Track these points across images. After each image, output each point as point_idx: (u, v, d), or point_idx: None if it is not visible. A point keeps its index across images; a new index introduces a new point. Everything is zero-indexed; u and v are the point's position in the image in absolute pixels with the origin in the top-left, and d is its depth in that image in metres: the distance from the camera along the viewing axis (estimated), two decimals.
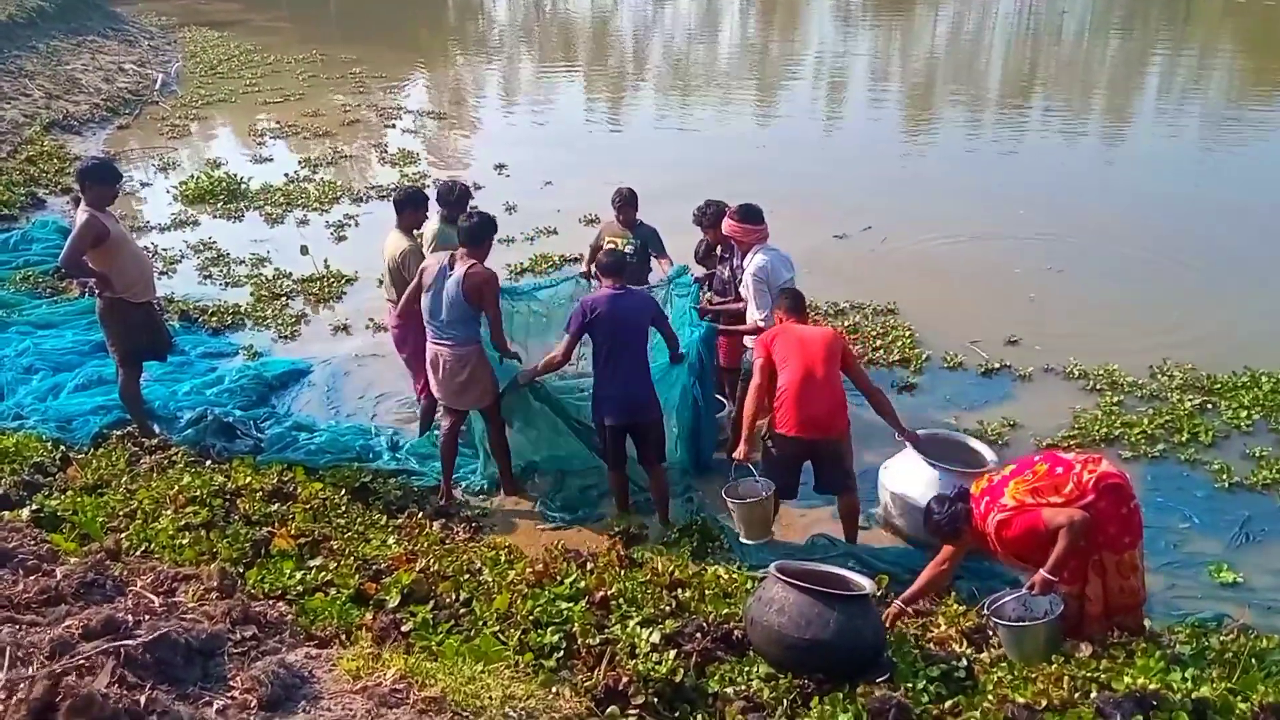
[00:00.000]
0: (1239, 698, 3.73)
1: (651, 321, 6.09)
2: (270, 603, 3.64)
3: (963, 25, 30.01)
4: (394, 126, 17.35)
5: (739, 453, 5.65)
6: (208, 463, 6.50)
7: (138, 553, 4.73)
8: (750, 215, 6.55)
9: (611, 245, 7.11)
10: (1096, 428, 7.07)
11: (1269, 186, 12.97)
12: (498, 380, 6.29)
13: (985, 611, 4.53)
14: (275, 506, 5.66)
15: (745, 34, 30.85)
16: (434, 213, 7.12)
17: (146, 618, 2.90)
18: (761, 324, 6.29)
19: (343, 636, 4.00)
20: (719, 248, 7.18)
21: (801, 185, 13.08)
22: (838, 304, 9.26)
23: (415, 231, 7.00)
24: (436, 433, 6.87)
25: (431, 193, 7.39)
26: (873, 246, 10.80)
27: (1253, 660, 4.23)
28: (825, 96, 20.53)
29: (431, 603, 4.54)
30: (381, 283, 7.19)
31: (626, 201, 7.36)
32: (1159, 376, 7.77)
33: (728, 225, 6.62)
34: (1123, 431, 7.02)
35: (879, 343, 8.47)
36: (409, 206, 6.89)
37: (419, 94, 21.40)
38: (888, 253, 10.65)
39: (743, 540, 5.70)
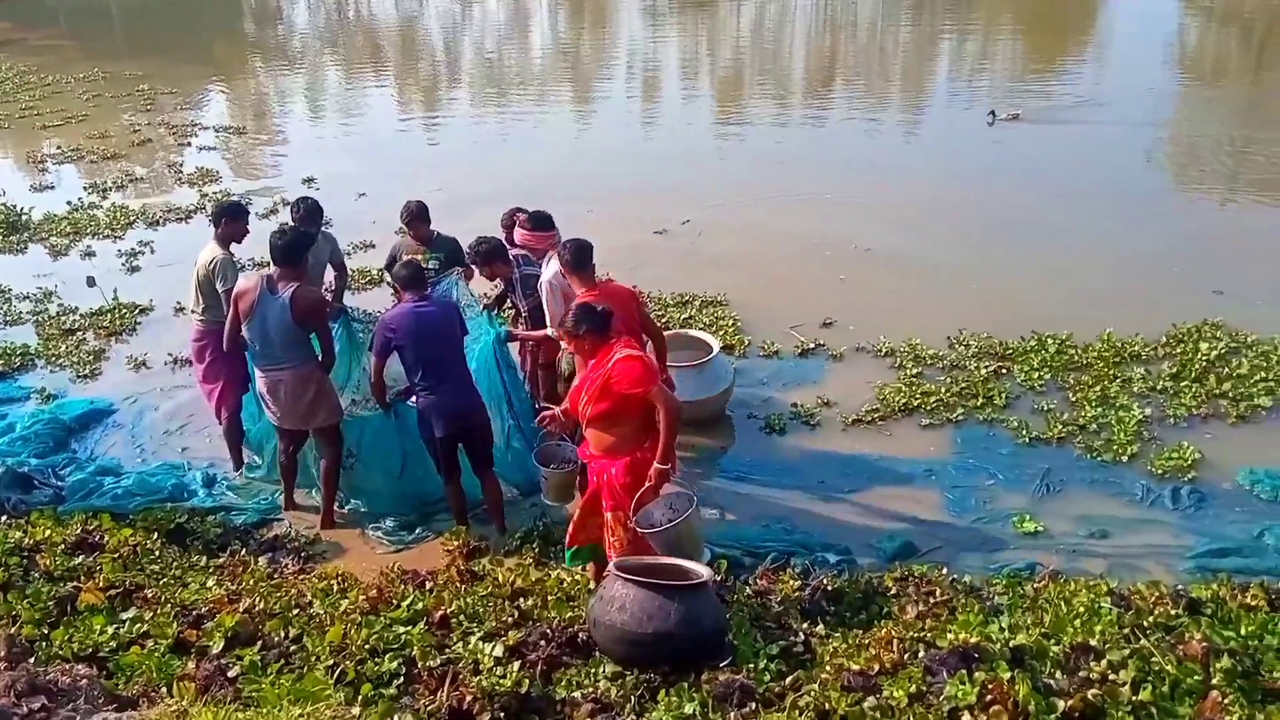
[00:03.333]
0: (1052, 641, 3.97)
1: (461, 328, 5.99)
2: (67, 666, 3.37)
3: (764, 18, 30.94)
4: (190, 144, 16.48)
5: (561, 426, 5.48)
6: (2, 518, 5.98)
7: None
8: (541, 223, 6.52)
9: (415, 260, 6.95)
10: (897, 399, 7.41)
11: (1052, 158, 13.91)
12: (339, 399, 6.13)
13: (635, 525, 4.78)
14: (80, 559, 5.27)
15: (556, 34, 30.85)
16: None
17: None
18: (550, 333, 6.21)
19: (163, 689, 3.76)
20: (501, 283, 6.87)
21: (619, 183, 13.22)
22: (664, 297, 9.34)
23: (234, 244, 6.62)
24: (256, 465, 6.64)
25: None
26: (691, 240, 10.99)
27: (1062, 604, 4.51)
28: (638, 94, 20.77)
29: (259, 643, 4.32)
30: (180, 310, 6.78)
31: (415, 216, 7.09)
32: (957, 346, 8.19)
33: (520, 234, 6.57)
34: (921, 401, 7.37)
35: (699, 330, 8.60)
36: (227, 217, 6.56)
37: (217, 108, 20.40)
38: (706, 245, 10.85)
39: (547, 501, 5.66)
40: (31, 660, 3.41)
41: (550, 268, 6.31)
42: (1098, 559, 5.58)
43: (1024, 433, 6.89)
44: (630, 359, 4.79)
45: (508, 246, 6.75)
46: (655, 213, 11.60)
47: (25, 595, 4.71)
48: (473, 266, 6.79)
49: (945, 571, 5.16)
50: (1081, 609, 4.30)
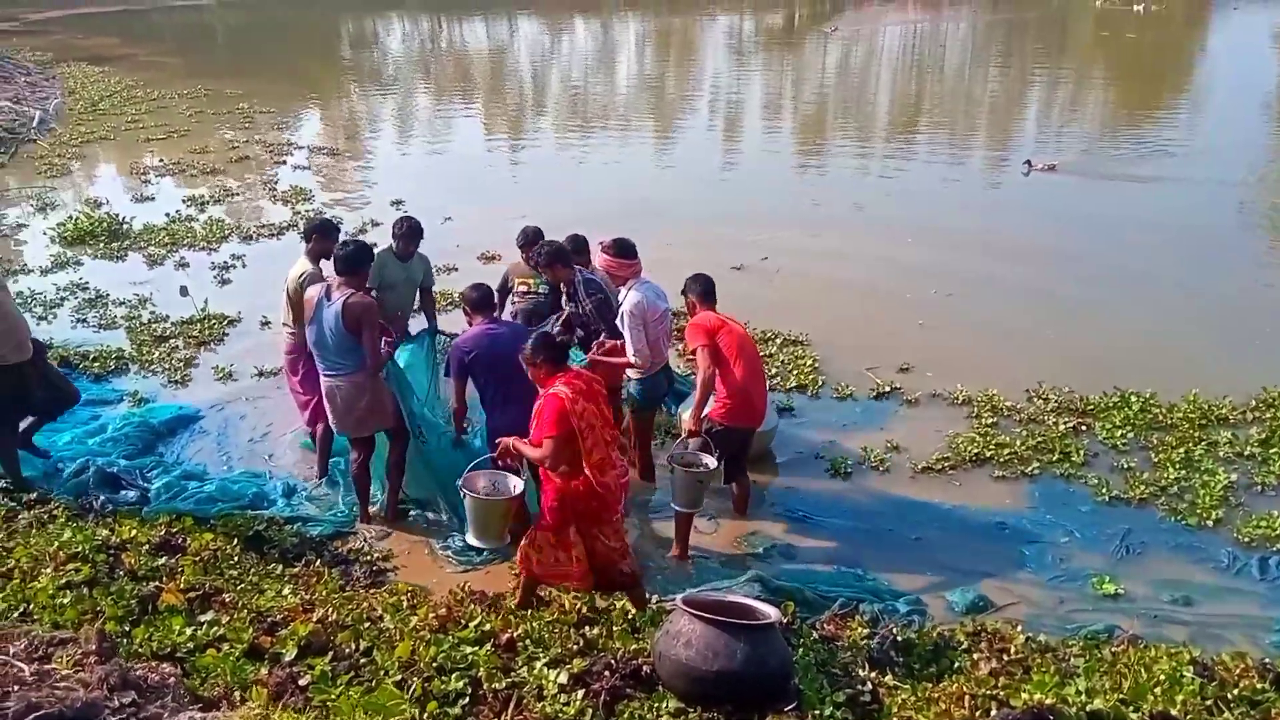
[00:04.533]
0: (1130, 708, 3.86)
1: None
2: (153, 665, 3.47)
3: (850, 59, 30.95)
4: (284, 163, 17.01)
5: (689, 426, 5.94)
6: (90, 516, 6.20)
7: (15, 615, 4.48)
8: (624, 250, 6.59)
9: (524, 287, 7.08)
10: (969, 449, 7.28)
11: (1140, 210, 13.65)
12: (398, 400, 6.26)
13: (460, 485, 5.32)
14: (163, 560, 5.44)
15: (642, 68, 31.25)
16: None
17: (16, 688, 2.74)
18: (635, 360, 6.36)
19: (237, 695, 3.85)
20: (561, 285, 6.94)
21: (698, 217, 13.29)
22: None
23: (324, 260, 6.80)
24: (340, 470, 6.87)
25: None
26: (770, 277, 10.99)
27: (1142, 670, 4.38)
28: (720, 129, 20.90)
29: (330, 654, 4.41)
30: (266, 324, 6.99)
31: (530, 241, 7.17)
32: (1035, 400, 8.03)
33: (602, 260, 6.65)
34: (994, 452, 7.23)
35: (776, 369, 8.59)
36: (318, 234, 6.83)
37: (311, 128, 21.07)
38: (784, 283, 10.84)
39: (675, 506, 6.08)
40: (118, 656, 3.52)
41: (631, 297, 6.38)
42: (1179, 626, 5.38)
43: (1104, 491, 6.71)
44: (553, 399, 4.93)
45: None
46: (733, 248, 11.62)
47: (110, 592, 4.86)
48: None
49: (1020, 629, 5.04)
50: (1162, 677, 4.19)
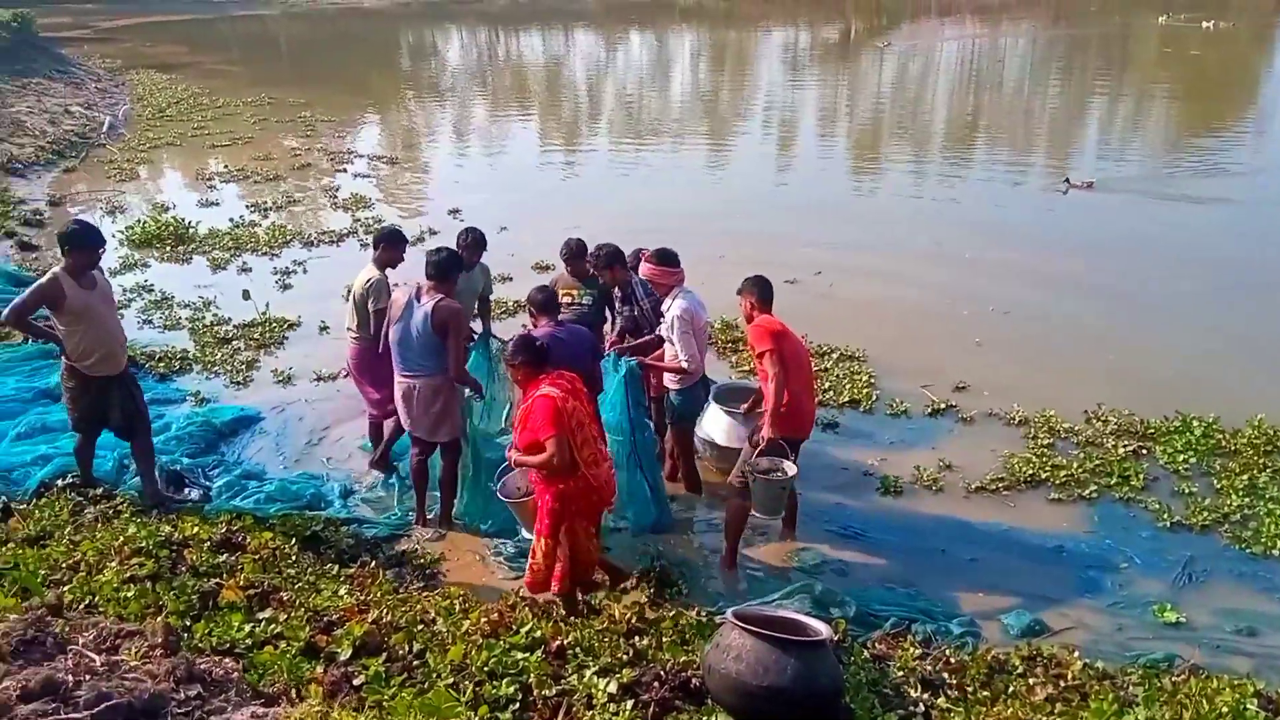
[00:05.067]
0: None
1: (593, 358, 6.19)
2: (216, 659, 3.54)
3: (906, 73, 30.74)
4: (345, 170, 17.30)
5: (768, 434, 5.84)
6: (154, 513, 6.34)
7: (81, 607, 4.59)
8: (667, 259, 6.62)
9: (568, 297, 7.15)
10: (1024, 470, 7.18)
11: (1201, 229, 13.38)
12: (464, 415, 6.41)
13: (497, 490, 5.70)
14: (224, 557, 5.55)
15: (697, 80, 31.32)
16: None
17: (88, 678, 2.81)
18: (685, 365, 6.41)
19: (293, 691, 3.91)
20: (615, 289, 7.11)
21: (752, 230, 13.27)
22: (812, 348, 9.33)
23: (389, 269, 7.01)
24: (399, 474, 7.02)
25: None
26: (823, 291, 10.94)
27: (1204, 701, 4.28)
28: (775, 143, 20.87)
29: (384, 654, 4.46)
30: (325, 329, 7.10)
31: (575, 254, 7.29)
32: (1094, 422, 7.89)
33: (646, 269, 6.67)
34: (1050, 474, 7.12)
35: (828, 384, 8.54)
36: (386, 243, 6.99)
37: (371, 137, 21.41)
38: (838, 297, 10.79)
39: (756, 514, 6.09)
40: (183, 650, 3.61)
41: (679, 304, 6.42)
42: (1243, 657, 5.26)
43: (1165, 516, 6.58)
44: (544, 399, 5.02)
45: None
46: (787, 261, 11.55)
47: (172, 587, 4.97)
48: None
49: (1077, 654, 4.95)
50: (1225, 709, 4.10)
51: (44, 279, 6.11)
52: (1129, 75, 28.63)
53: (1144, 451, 7.45)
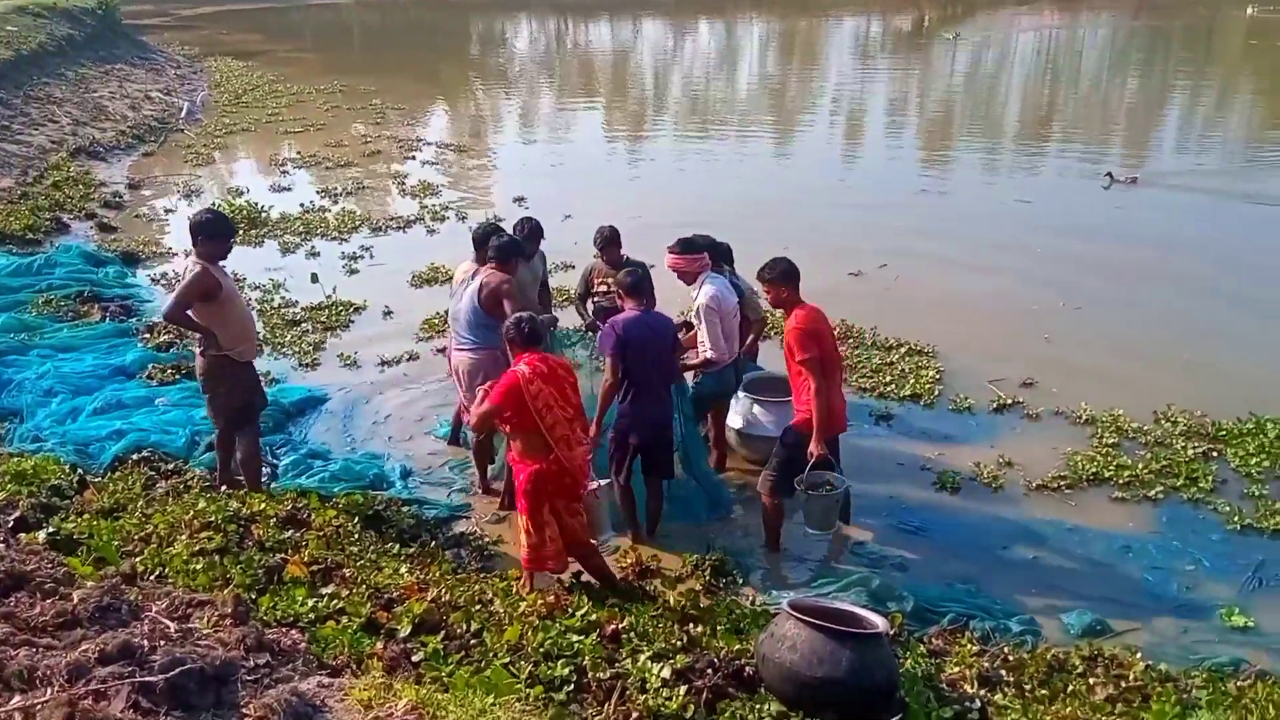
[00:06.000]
0: None
1: (675, 344, 6.21)
2: (283, 630, 3.65)
3: (980, 64, 30.18)
4: (414, 158, 17.54)
5: (815, 450, 5.75)
6: (223, 488, 6.53)
7: (152, 577, 4.75)
8: (690, 246, 6.60)
9: (604, 286, 7.18)
10: (1087, 468, 7.04)
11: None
12: None
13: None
14: (289, 533, 5.68)
15: (764, 70, 31.12)
16: None
17: (162, 643, 2.92)
18: (711, 356, 6.38)
19: (354, 665, 4.01)
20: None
21: (817, 221, 13.16)
22: (873, 339, 9.30)
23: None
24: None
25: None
26: (888, 285, 10.82)
27: (1270, 706, 4.18)
28: (842, 134, 20.66)
29: (442, 633, 4.54)
30: (389, 314, 7.19)
31: (609, 241, 7.30)
32: (1163, 422, 7.70)
33: (670, 259, 6.65)
34: (1114, 473, 6.97)
35: (890, 378, 8.47)
36: (485, 245, 6.91)
37: (439, 125, 21.68)
38: (904, 291, 10.66)
39: (809, 531, 6.13)
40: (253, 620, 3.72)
41: (706, 290, 6.40)
42: None
43: (1235, 519, 6.40)
44: (509, 375, 5.21)
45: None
46: (851, 253, 11.49)
47: (239, 561, 5.11)
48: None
49: (1139, 655, 4.86)
50: None
51: (191, 274, 5.99)
52: (1211, 68, 27.77)
53: (1214, 454, 7.25)
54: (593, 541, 5.57)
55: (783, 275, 5.87)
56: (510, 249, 6.48)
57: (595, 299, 7.40)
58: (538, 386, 5.12)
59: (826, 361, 5.78)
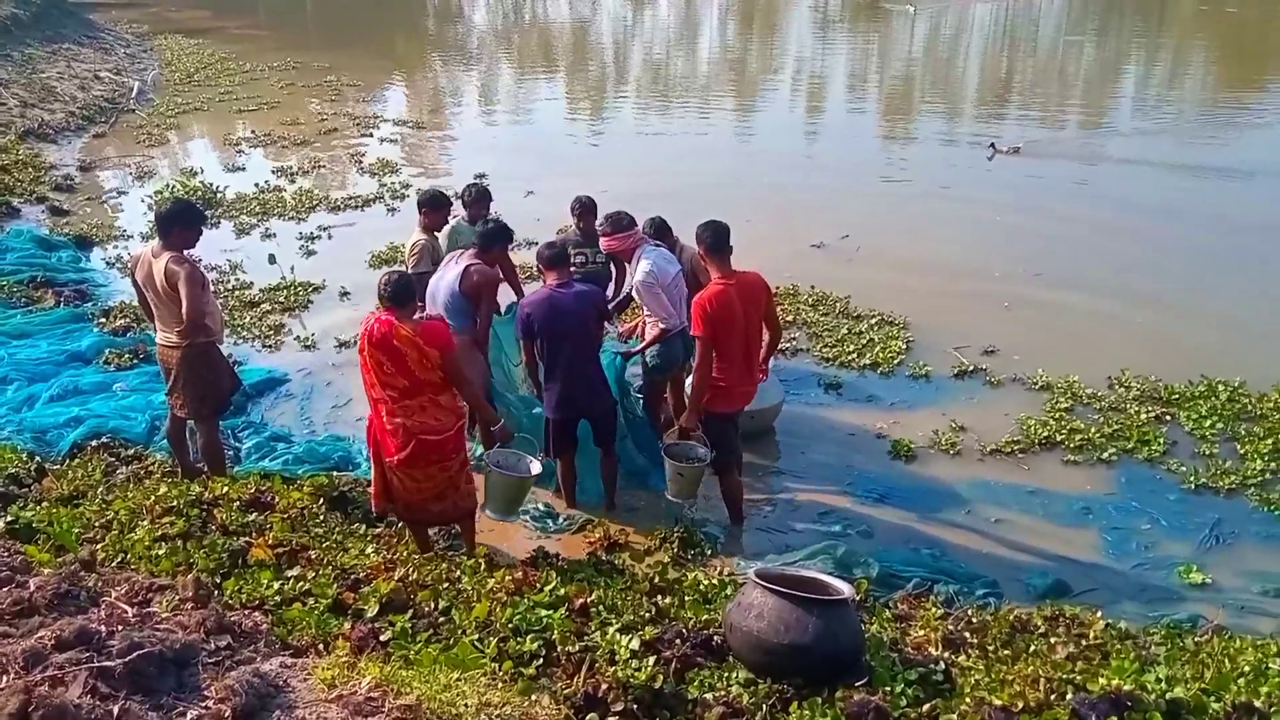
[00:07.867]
0: (1212, 698, 3.77)
1: (596, 317, 6.04)
2: (246, 613, 3.62)
3: (939, 31, 30.24)
4: (371, 135, 17.31)
5: (688, 423, 5.79)
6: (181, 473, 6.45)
7: (113, 564, 4.68)
8: (619, 224, 6.36)
9: (581, 257, 7.13)
10: (1039, 432, 7.14)
11: (1231, 195, 13.14)
12: (485, 369, 6.47)
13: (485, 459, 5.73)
14: (253, 516, 5.61)
15: (724, 41, 30.98)
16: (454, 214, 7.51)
17: (120, 628, 2.89)
18: (663, 325, 6.28)
19: (320, 646, 3.98)
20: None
21: (779, 194, 13.18)
22: (840, 308, 9.36)
23: (435, 232, 7.21)
24: None
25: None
26: (850, 256, 10.86)
27: (1226, 660, 4.27)
28: (803, 105, 20.66)
29: (410, 611, 4.51)
30: (345, 294, 7.17)
31: (586, 209, 7.21)
32: (1117, 387, 7.82)
33: (604, 242, 6.47)
34: (1065, 437, 7.07)
35: (853, 347, 8.53)
36: (428, 207, 7.22)
37: (397, 102, 21.39)
38: (865, 260, 10.70)
39: (670, 498, 6.04)
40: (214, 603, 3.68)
41: (642, 267, 6.26)
42: (1268, 619, 5.24)
43: (1191, 479, 6.53)
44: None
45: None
46: (814, 225, 11.51)
47: (202, 545, 5.05)
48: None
49: (1099, 614, 4.94)
50: (1247, 668, 4.08)
51: (185, 270, 5.72)
52: (1167, 33, 28.01)
53: (1168, 417, 7.38)
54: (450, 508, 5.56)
55: (699, 240, 5.70)
56: (492, 237, 6.43)
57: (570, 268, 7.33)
58: (365, 348, 5.23)
59: (723, 341, 5.59)
